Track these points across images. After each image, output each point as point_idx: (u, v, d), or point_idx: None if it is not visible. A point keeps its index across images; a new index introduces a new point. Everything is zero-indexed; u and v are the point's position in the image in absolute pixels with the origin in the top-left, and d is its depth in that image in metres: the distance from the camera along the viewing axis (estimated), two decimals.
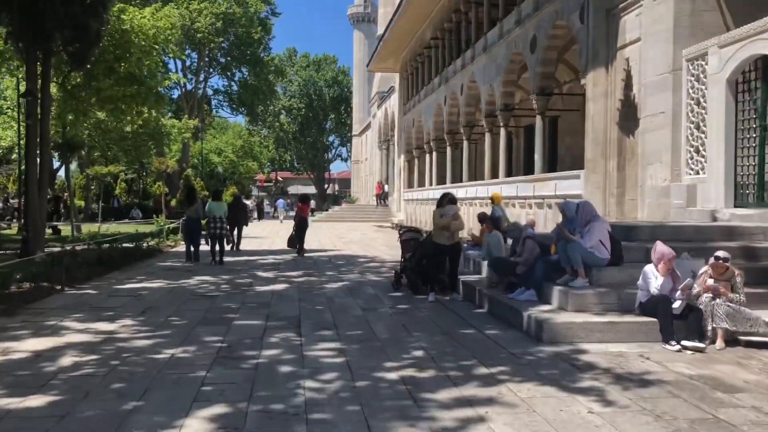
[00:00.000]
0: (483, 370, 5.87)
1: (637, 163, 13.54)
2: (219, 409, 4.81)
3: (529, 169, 25.77)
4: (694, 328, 6.79)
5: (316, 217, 48.12)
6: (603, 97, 14.60)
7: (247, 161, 71.24)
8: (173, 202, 42.09)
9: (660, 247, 7.18)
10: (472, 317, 8.60)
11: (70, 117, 24.39)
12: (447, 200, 10.32)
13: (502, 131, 22.07)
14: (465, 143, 26.73)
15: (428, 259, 10.52)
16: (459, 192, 25.25)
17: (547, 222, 17.18)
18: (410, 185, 38.18)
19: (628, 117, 13.98)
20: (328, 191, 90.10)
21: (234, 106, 57.01)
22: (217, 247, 15.71)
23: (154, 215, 28.03)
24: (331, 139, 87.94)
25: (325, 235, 28.27)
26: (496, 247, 10.76)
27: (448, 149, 29.18)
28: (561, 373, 5.80)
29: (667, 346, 6.70)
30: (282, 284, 12.00)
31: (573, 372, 5.83)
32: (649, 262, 7.75)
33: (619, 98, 14.13)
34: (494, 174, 23.17)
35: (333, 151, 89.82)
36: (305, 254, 17.92)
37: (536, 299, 8.30)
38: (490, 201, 15.28)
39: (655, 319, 7.05)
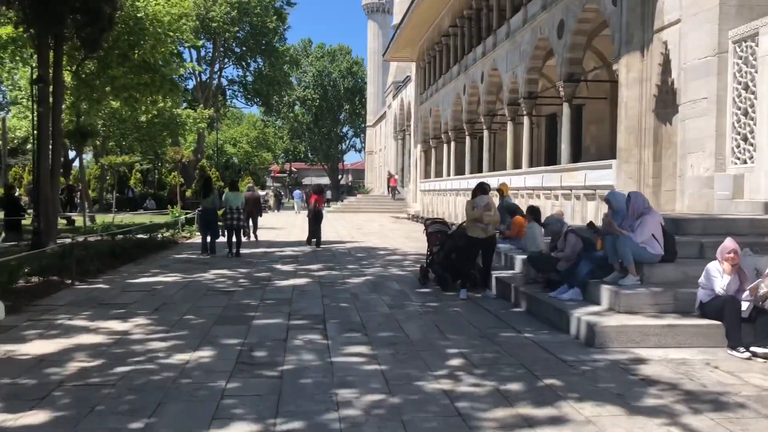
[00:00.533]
0: (535, 382, 5.25)
1: (675, 152, 12.81)
2: (243, 428, 4.22)
3: (551, 160, 25.05)
4: (763, 333, 6.12)
5: (332, 207, 47.63)
6: (638, 83, 13.84)
7: (261, 152, 70.86)
8: (188, 193, 41.69)
9: (727, 242, 6.49)
10: (510, 317, 7.97)
11: (84, 106, 24.03)
12: (479, 190, 9.65)
13: (525, 120, 21.35)
14: (485, 132, 25.99)
15: (458, 253, 9.90)
16: None
17: (574, 214, 16.50)
18: (427, 176, 37.48)
19: (666, 104, 13.23)
20: (342, 182, 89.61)
21: (249, 96, 56.45)
22: (234, 239, 15.17)
23: (169, 206, 27.53)
24: (345, 129, 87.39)
25: (342, 226, 27.70)
26: (531, 240, 10.12)
27: (467, 139, 28.47)
28: (623, 386, 5.16)
29: (735, 353, 6.04)
30: (302, 278, 11.42)
31: (637, 385, 5.19)
32: (705, 258, 7.10)
33: (655, 84, 13.37)
34: (517, 164, 22.46)
35: (347, 142, 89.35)
36: (321, 245, 17.38)
37: (581, 299, 7.65)
38: (497, 192, 14.11)
39: (718, 322, 6.40)
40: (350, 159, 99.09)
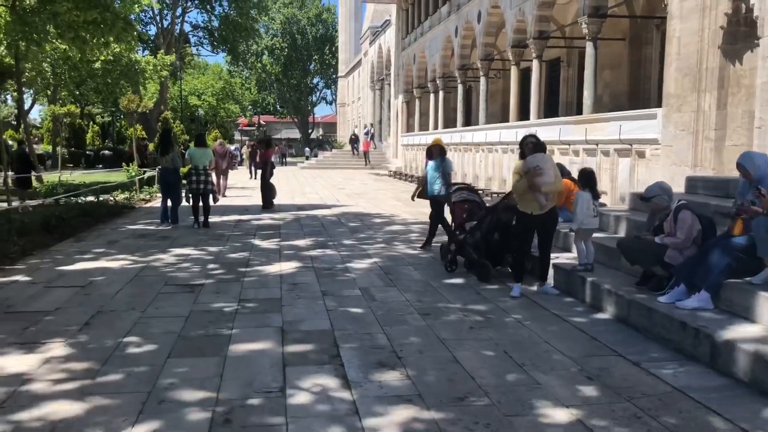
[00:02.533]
0: None
1: (748, 98, 10.38)
2: None
3: (552, 111, 22.55)
4: None
5: (306, 164, 44.72)
6: (697, 12, 11.27)
7: (228, 104, 67.08)
8: (151, 147, 38.42)
9: None
10: (602, 332, 5.51)
11: (22, 47, 20.77)
12: (530, 148, 7.05)
13: (534, 64, 18.73)
14: (482, 80, 23.25)
15: (503, 233, 7.41)
16: (476, 136, 22.07)
17: (601, 173, 14.06)
18: (409, 129, 34.75)
19: (736, 37, 10.70)
20: (313, 136, 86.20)
21: (215, 43, 52.53)
22: (201, 205, 12.45)
23: (124, 164, 24.57)
24: (315, 81, 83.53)
25: (322, 185, 25.01)
26: (574, 214, 7.46)
27: (459, 87, 25.73)
28: None
29: None
30: (290, 262, 8.81)
31: None
32: None
33: (723, 12, 10.80)
34: (523, 115, 19.91)
35: (317, 93, 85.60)
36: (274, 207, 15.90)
37: (712, 307, 5.23)
38: (426, 152, 10.05)
39: None
40: (321, 111, 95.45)
